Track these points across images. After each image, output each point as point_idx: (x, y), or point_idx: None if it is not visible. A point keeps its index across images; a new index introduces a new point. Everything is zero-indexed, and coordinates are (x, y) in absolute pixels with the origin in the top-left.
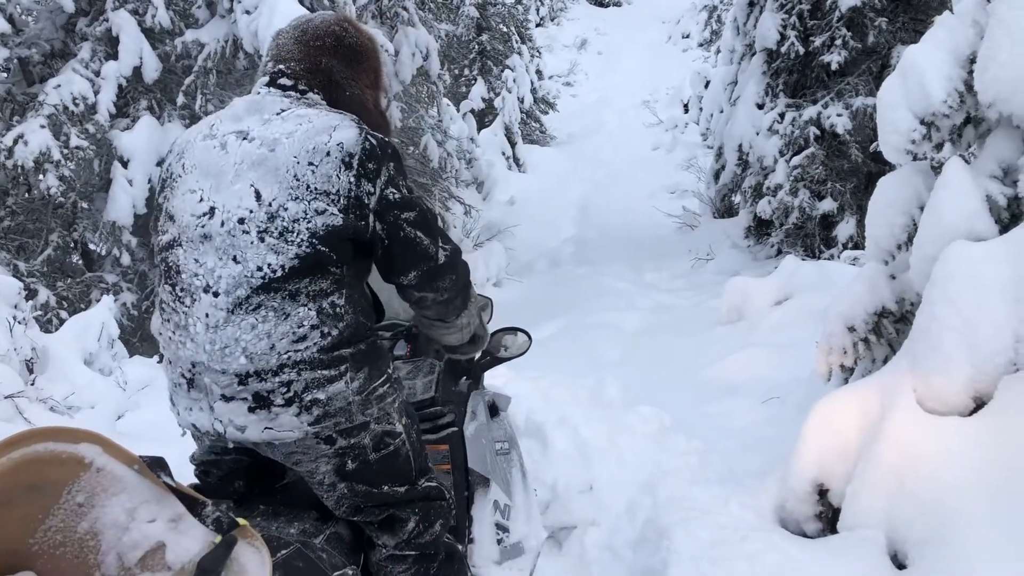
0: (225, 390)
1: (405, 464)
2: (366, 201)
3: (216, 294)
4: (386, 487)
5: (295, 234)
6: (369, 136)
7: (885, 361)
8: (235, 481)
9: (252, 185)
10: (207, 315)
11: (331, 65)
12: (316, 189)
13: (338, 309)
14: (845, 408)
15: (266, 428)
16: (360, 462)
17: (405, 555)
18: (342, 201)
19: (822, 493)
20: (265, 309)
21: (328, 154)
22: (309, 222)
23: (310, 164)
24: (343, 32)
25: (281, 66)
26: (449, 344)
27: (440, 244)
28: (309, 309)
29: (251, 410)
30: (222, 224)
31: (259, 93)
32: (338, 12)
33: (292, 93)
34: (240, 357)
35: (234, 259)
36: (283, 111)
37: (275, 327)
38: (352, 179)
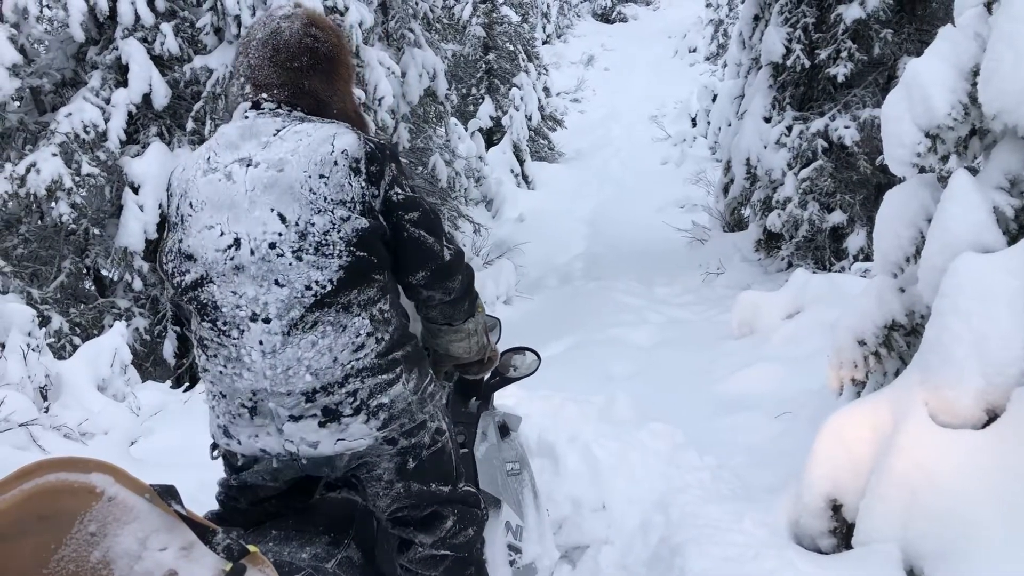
0: (292, 410)
1: (448, 462)
2: (372, 204)
3: (267, 320)
4: (433, 485)
5: (331, 246)
6: (368, 140)
7: (896, 374)
8: (262, 505)
9: (272, 209)
10: (261, 342)
11: (314, 87)
12: (332, 199)
13: (386, 314)
14: (857, 422)
15: (338, 440)
16: (417, 460)
17: (442, 555)
18: (358, 207)
19: (836, 508)
20: (323, 325)
21: (336, 163)
22: (340, 231)
23: (321, 176)
24: (315, 42)
25: (263, 94)
26: (457, 355)
27: (445, 243)
28: (363, 318)
29: (322, 424)
30: (252, 252)
31: (247, 117)
32: (300, 12)
33: (280, 111)
34: (305, 375)
35: (276, 283)
36: (279, 131)
37: (335, 340)
38: (363, 183)
